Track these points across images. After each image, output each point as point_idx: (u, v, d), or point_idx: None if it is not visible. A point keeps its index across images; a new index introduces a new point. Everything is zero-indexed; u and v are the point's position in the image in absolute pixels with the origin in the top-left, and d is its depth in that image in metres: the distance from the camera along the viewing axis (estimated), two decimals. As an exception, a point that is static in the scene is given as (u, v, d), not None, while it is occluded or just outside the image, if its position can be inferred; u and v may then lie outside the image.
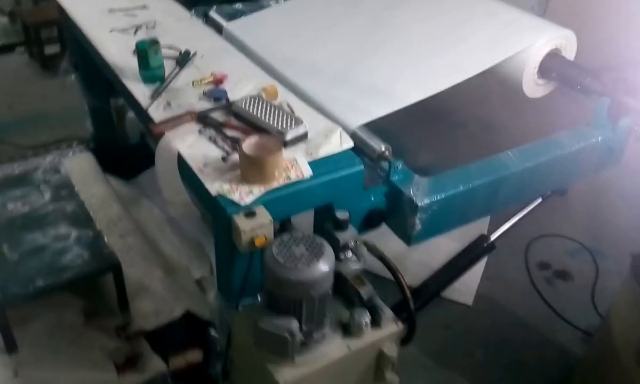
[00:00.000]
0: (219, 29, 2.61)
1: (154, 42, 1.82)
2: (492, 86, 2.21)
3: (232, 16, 2.79)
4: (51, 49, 4.71)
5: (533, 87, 2.11)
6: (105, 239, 2.07)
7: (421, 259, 2.63)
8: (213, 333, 1.83)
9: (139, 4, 2.49)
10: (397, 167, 1.67)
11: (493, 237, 2.49)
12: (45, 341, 1.97)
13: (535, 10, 3.72)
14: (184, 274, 2.33)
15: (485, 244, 2.48)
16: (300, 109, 1.75)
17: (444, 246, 2.59)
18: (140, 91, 1.81)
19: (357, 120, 1.75)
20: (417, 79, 1.93)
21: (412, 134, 2.19)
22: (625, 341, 1.97)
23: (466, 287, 2.57)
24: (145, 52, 1.80)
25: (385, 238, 1.72)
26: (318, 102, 1.85)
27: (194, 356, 1.87)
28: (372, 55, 2.14)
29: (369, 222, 1.70)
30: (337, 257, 1.51)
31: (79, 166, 2.86)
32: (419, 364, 2.26)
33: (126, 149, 3.17)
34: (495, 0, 2.39)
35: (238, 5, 3.07)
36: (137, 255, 2.33)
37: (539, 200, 2.41)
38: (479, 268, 2.64)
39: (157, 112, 1.71)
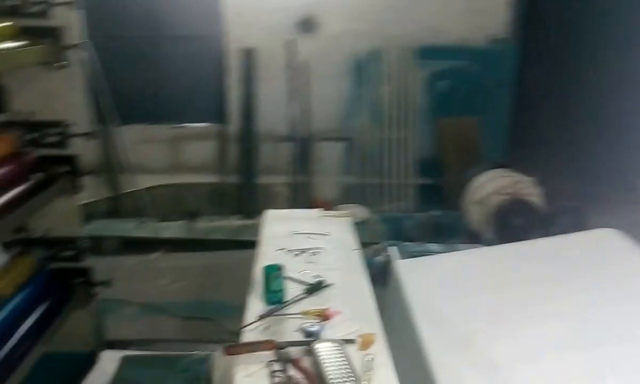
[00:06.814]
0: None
1: (278, 268, 1.96)
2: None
3: (416, 254, 2.81)
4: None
5: None
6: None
7: None
8: None
9: (324, 231, 2.71)
10: None
11: None
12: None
13: None
14: None
15: None
16: (385, 372, 1.58)
17: None
18: (254, 309, 1.93)
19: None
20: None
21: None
22: None
23: None
24: (269, 275, 1.94)
25: None
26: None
27: None
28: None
29: None
30: None
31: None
32: None
33: None
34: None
35: (433, 246, 3.09)
36: None
37: None
38: None
39: (252, 333, 1.78)
